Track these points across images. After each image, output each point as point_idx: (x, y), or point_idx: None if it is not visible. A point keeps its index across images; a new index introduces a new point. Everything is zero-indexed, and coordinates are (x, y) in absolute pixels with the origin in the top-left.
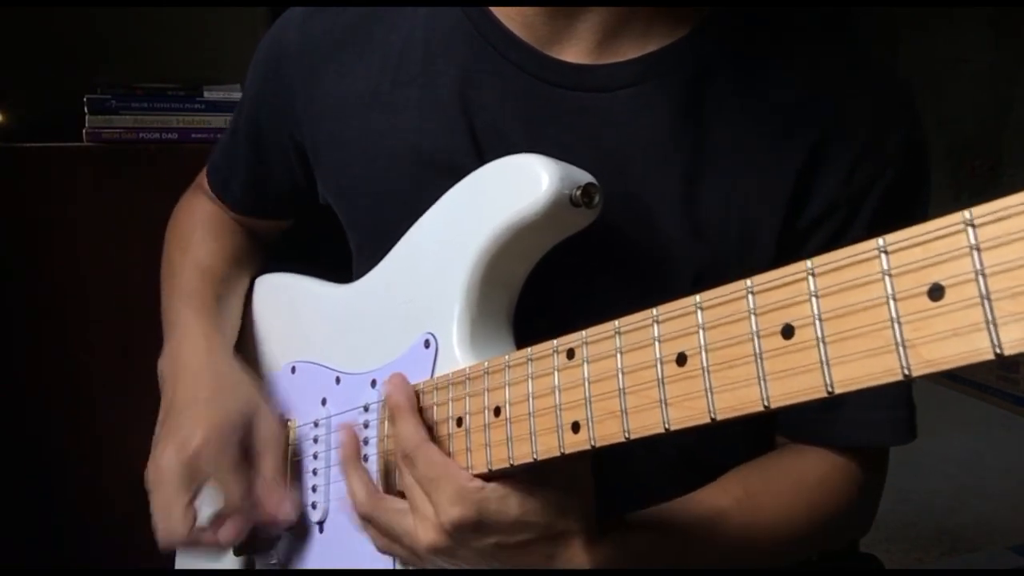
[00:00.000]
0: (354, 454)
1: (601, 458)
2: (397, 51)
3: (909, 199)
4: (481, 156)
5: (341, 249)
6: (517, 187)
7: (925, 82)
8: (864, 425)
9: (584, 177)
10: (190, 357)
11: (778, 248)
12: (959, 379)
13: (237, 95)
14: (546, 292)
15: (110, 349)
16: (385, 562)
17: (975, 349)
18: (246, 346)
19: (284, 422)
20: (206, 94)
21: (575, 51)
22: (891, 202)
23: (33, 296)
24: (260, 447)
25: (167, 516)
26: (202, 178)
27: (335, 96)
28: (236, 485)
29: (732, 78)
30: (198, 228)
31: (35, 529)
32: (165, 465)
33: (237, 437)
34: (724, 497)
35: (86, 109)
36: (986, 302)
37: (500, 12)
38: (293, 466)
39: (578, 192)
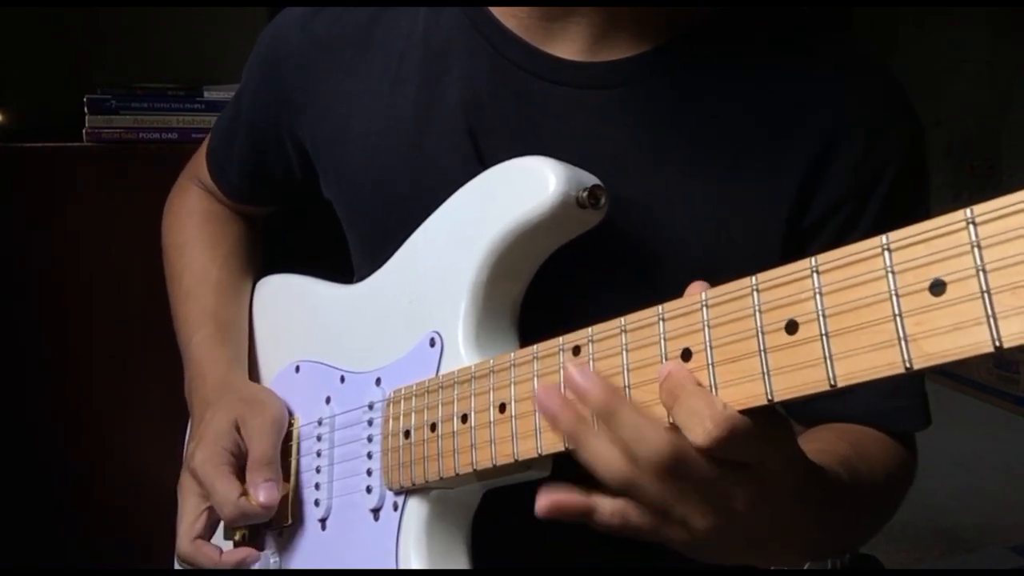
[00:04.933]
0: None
1: None
2: (397, 51)
3: (912, 192)
4: (479, 153)
5: (341, 250)
6: (525, 189)
7: (924, 81)
8: (883, 412)
9: (590, 179)
10: (207, 390)
11: (783, 247)
12: (959, 379)
13: None
14: (550, 291)
15: (111, 349)
16: (386, 561)
17: (975, 342)
18: (251, 346)
19: (284, 415)
20: (206, 94)
21: (571, 49)
22: (896, 196)
23: (33, 296)
24: (248, 441)
25: (179, 526)
26: (192, 166)
27: (336, 96)
28: (223, 486)
29: (730, 78)
30: (195, 230)
31: (35, 530)
32: (181, 482)
33: (223, 443)
34: (840, 444)
35: (86, 109)
36: (986, 296)
37: (498, 11)
38: (297, 464)
39: (584, 194)
